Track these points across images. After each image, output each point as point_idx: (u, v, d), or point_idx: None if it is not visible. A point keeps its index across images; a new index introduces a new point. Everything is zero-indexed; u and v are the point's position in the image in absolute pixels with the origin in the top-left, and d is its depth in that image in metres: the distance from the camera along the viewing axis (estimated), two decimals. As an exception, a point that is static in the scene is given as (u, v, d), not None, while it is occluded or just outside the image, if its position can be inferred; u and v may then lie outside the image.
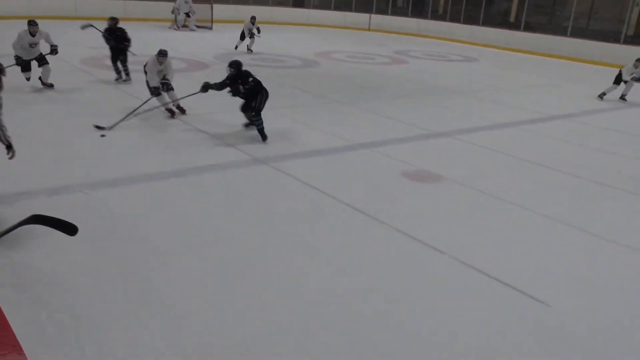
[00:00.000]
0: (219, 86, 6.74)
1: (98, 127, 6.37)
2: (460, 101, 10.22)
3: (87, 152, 5.83)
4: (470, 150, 7.00)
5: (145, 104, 7.09)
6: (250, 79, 6.65)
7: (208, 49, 14.67)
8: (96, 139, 6.22)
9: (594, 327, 3.41)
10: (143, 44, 13.32)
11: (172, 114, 7.43)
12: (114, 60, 9.28)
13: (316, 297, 3.49)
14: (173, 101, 7.48)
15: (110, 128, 6.47)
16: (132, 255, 3.83)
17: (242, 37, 14.54)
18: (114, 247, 3.92)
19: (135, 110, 6.94)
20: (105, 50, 9.49)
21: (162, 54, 7.29)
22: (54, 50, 8.17)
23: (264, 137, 6.71)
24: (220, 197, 4.99)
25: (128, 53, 9.33)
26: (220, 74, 10.29)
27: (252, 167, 5.79)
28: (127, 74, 9.43)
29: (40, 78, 8.33)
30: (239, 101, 6.90)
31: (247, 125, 7.08)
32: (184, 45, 15.06)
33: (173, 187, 5.11)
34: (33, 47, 8.02)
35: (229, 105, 7.34)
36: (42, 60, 8.19)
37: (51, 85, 8.42)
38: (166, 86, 7.41)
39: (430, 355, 3.03)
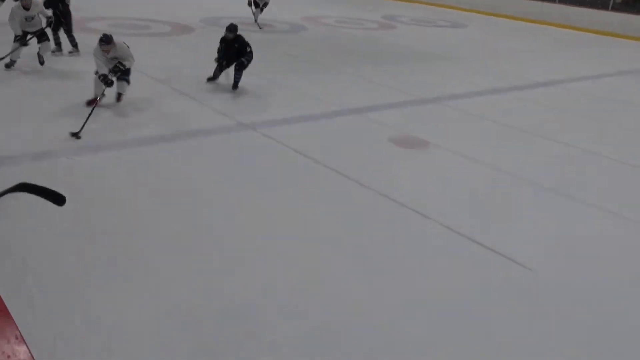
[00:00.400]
0: (221, 54, 7.07)
1: (74, 135, 5.18)
2: (448, 67, 10.17)
3: (71, 117, 5.72)
4: (458, 116, 7.00)
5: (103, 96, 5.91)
6: (249, 49, 6.92)
7: (193, 12, 14.34)
8: (80, 106, 6.07)
9: (575, 293, 3.47)
10: (123, 5, 13.04)
11: (91, 102, 5.95)
12: (55, 29, 8.19)
13: (300, 261, 3.51)
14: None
15: (80, 131, 5.23)
16: (118, 221, 3.81)
17: (257, 5, 13.72)
18: (99, 212, 3.89)
19: (93, 108, 5.63)
20: (83, 12, 9.09)
21: (103, 40, 5.74)
22: (50, 23, 7.54)
23: (236, 87, 7.10)
24: (207, 162, 4.95)
25: (72, 21, 8.37)
26: (206, 38, 10.10)
27: (239, 133, 5.74)
28: (75, 46, 8.43)
29: (38, 54, 7.51)
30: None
31: (209, 80, 7.28)
32: (167, 7, 14.72)
33: (160, 152, 5.07)
34: (30, 21, 7.27)
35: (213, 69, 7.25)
36: (43, 36, 7.45)
37: (42, 62, 7.52)
38: (120, 73, 5.99)
39: (411, 317, 3.08)
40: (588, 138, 6.47)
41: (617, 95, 8.88)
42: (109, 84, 5.82)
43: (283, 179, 4.73)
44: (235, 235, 3.76)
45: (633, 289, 3.57)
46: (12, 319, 1.68)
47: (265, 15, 13.55)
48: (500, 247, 3.83)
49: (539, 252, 3.88)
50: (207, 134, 5.62)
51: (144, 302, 2.99)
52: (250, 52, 6.98)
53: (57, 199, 1.89)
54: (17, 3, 7.23)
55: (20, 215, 3.62)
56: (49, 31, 7.58)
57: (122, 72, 6.00)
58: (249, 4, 13.10)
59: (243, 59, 6.96)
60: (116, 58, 5.90)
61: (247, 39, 7.11)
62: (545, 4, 18.44)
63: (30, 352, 1.51)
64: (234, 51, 6.96)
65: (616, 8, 17.15)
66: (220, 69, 7.21)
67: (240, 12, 13.69)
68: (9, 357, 1.46)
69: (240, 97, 6.84)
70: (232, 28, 6.94)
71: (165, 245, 3.55)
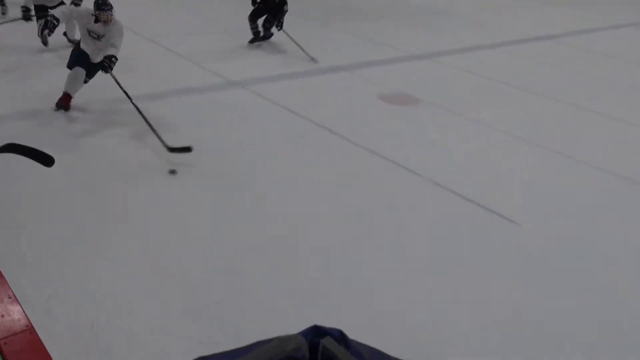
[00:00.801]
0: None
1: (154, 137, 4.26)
2: (440, 22, 9.99)
3: (55, 76, 5.61)
4: (450, 73, 6.95)
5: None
6: (286, 7, 6.93)
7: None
8: (65, 63, 5.93)
9: (563, 248, 3.53)
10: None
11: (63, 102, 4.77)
12: None
13: (293, 219, 3.55)
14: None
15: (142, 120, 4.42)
16: (110, 180, 3.80)
17: None
18: (89, 172, 3.88)
19: (127, 92, 4.66)
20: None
21: (104, 7, 4.52)
22: None
23: (264, 39, 7.24)
24: (196, 119, 4.91)
25: None
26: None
27: (229, 90, 5.68)
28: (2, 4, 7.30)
29: (64, 33, 6.53)
30: (213, 24, 6.68)
31: (251, 42, 7.23)
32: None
33: (150, 110, 5.00)
34: None
35: (204, 27, 7.12)
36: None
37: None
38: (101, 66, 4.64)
39: (401, 271, 3.14)
40: (581, 94, 6.44)
41: (614, 51, 8.78)
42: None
43: (271, 136, 4.71)
44: (226, 194, 3.78)
45: (620, 243, 3.63)
46: (5, 279, 1.71)
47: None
48: (489, 203, 3.87)
49: (528, 207, 3.93)
50: (196, 91, 5.56)
51: (136, 261, 3.02)
52: (286, 10, 6.93)
53: (46, 160, 1.88)
54: None
55: (10, 176, 3.62)
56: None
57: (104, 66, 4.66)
58: None
59: (282, 20, 6.95)
60: (98, 38, 4.73)
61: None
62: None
63: (24, 311, 1.54)
64: (272, 6, 6.88)
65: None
66: (255, 21, 7.05)
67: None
68: (2, 316, 1.50)
69: (231, 54, 6.73)
70: None
71: (158, 203, 3.57)
